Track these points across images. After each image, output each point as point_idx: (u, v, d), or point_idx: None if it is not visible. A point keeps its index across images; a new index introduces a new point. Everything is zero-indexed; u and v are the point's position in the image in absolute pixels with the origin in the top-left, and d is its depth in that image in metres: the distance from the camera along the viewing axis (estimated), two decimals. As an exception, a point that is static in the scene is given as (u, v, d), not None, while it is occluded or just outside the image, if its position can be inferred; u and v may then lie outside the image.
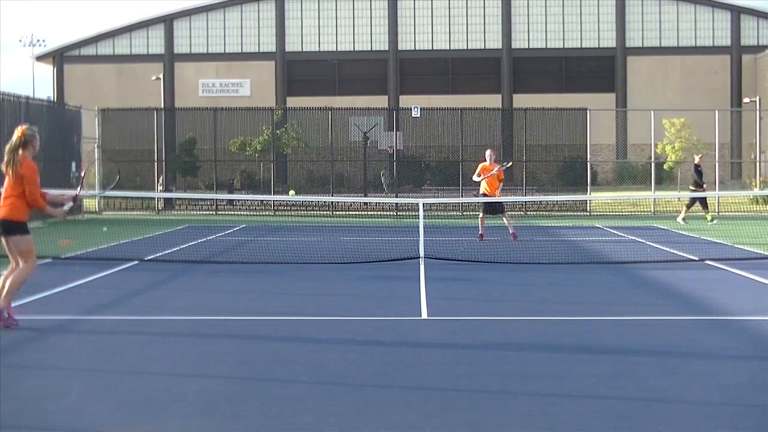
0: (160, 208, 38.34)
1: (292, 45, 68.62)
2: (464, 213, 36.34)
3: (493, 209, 24.20)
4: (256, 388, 8.50)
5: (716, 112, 43.17)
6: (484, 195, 24.40)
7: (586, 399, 8.13)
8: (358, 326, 11.80)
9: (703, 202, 31.26)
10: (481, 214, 24.39)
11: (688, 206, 31.75)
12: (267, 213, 37.69)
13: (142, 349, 10.32)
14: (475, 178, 24.61)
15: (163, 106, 52.47)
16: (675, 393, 8.35)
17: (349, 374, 9.06)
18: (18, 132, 11.30)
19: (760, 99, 59.51)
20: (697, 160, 31.66)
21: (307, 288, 15.41)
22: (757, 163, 50.96)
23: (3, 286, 11.25)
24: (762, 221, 33.06)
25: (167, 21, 69.71)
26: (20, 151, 11.22)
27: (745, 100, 62.44)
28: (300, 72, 68.73)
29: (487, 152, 25.21)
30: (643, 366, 9.46)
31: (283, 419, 7.51)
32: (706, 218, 31.17)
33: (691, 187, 31.44)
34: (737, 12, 67.76)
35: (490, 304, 13.70)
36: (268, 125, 43.19)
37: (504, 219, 24.49)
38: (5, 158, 11.30)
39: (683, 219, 31.29)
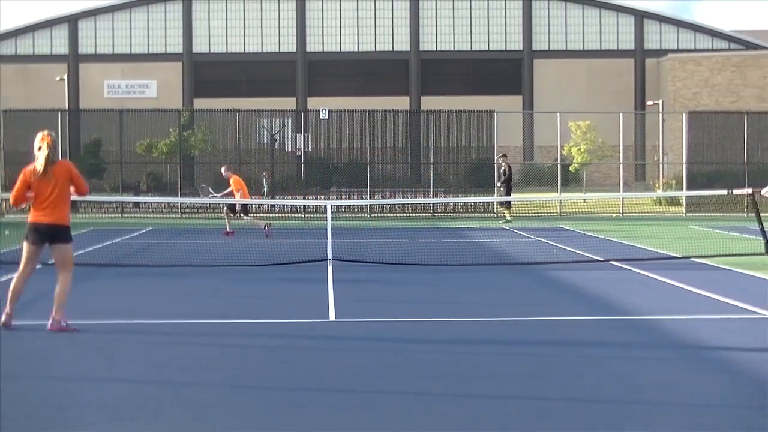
0: (64, 210, 37.61)
1: (200, 46, 68.10)
2: (372, 215, 36.38)
3: (245, 210, 27.01)
4: (167, 393, 8.39)
5: (621, 114, 43.78)
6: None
7: (497, 399, 8.16)
8: (267, 329, 11.73)
9: (507, 202, 32.87)
10: (232, 215, 26.74)
11: (506, 206, 33.30)
12: (174, 215, 37.32)
13: (48, 354, 10.14)
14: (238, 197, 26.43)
15: (67, 108, 51.70)
16: (588, 392, 8.42)
17: (258, 377, 9.01)
18: (45, 139, 11.18)
19: (663, 102, 60.54)
20: (501, 162, 32.95)
21: (216, 291, 15.28)
22: (660, 165, 51.78)
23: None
24: (665, 222, 33.62)
25: (71, 21, 68.71)
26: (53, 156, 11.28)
27: (649, 102, 63.46)
28: (207, 73, 68.21)
29: (223, 168, 27.18)
30: (554, 365, 9.55)
31: (196, 423, 7.43)
32: (506, 217, 32.28)
33: (502, 189, 33.22)
34: (641, 16, 68.80)
35: (399, 306, 13.71)
36: (174, 127, 42.78)
37: (247, 218, 27.15)
38: (44, 168, 11.13)
39: (506, 219, 32.71)
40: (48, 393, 8.34)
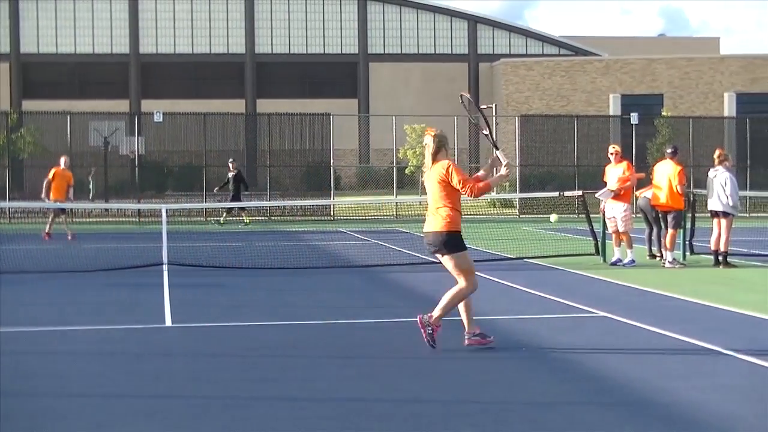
0: None
1: (28, 46, 66.30)
2: (208, 218, 35.97)
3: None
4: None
5: (455, 117, 44.36)
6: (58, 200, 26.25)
7: (332, 402, 8.14)
8: (101, 335, 11.48)
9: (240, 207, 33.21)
10: (52, 217, 26.86)
11: (228, 210, 33.88)
12: (2, 221, 36.24)
13: None
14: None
15: None
16: (421, 393, 8.48)
17: (91, 385, 8.79)
18: (429, 134, 10.25)
19: (496, 105, 61.55)
20: (231, 166, 33.68)
21: (47, 297, 14.91)
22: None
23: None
24: (499, 223, 34.17)
25: None
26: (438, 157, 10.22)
27: (483, 106, 64.46)
28: (37, 74, 66.43)
29: (62, 158, 27.20)
30: (389, 368, 9.58)
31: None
32: (245, 221, 33.48)
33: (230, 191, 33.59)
34: (474, 21, 69.86)
35: (236, 310, 13.59)
36: (2, 129, 41.54)
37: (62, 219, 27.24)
38: (426, 170, 10.26)
39: (245, 222, 33.51)
40: None
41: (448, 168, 10.10)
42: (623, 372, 9.21)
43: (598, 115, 55.97)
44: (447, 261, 10.25)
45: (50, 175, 26.56)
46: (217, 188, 35.20)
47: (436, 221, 10.18)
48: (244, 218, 33.48)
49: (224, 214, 33.94)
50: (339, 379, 9.00)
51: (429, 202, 10.33)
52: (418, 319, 10.23)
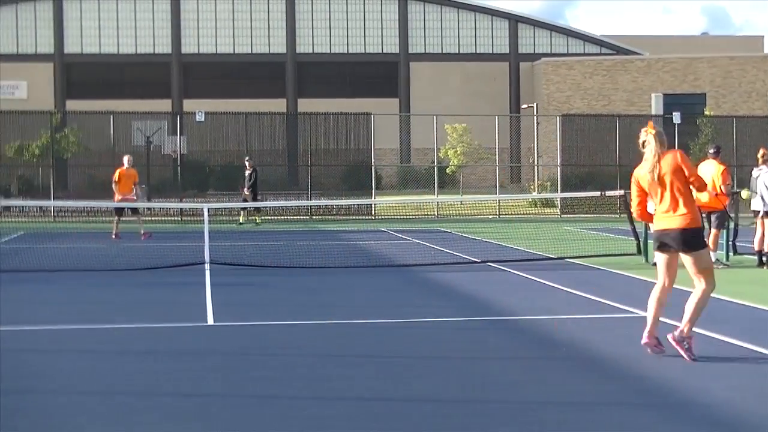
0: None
1: (72, 46, 66.83)
2: (249, 218, 36.11)
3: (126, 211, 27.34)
4: (21, 403, 8.13)
5: (496, 117, 44.29)
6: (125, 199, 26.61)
7: (353, 401, 8.15)
8: (141, 334, 11.55)
9: (256, 207, 33.28)
10: (116, 217, 26.97)
11: (258, 209, 34.06)
12: (46, 219, 36.54)
13: None
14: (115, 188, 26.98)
15: (-67, 109, 50.24)
16: (451, 393, 8.44)
17: (127, 383, 8.82)
18: (650, 132, 9.77)
19: (537, 105, 61.38)
20: (248, 164, 33.62)
21: (88, 296, 15.01)
22: (535, 167, 52.52)
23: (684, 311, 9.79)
24: (540, 223, 34.10)
25: (-62, 20, 66.84)
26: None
27: (523, 106, 64.29)
28: (80, 74, 66.95)
29: (125, 158, 27.38)
30: (427, 367, 9.58)
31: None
32: (256, 221, 33.56)
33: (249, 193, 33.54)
34: (515, 21, 69.67)
35: (276, 309, 13.63)
36: (46, 129, 41.90)
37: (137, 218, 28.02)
38: (652, 165, 9.71)
39: (257, 220, 33.81)
40: None
41: (680, 154, 9.72)
42: (662, 372, 9.15)
43: (639, 114, 55.63)
44: (688, 259, 9.72)
45: (116, 177, 26.69)
46: (247, 188, 35.17)
47: (678, 217, 9.62)
48: (240, 219, 33.57)
49: (256, 214, 34.03)
50: (375, 379, 9.00)
51: (663, 198, 9.72)
52: (671, 339, 9.66)
